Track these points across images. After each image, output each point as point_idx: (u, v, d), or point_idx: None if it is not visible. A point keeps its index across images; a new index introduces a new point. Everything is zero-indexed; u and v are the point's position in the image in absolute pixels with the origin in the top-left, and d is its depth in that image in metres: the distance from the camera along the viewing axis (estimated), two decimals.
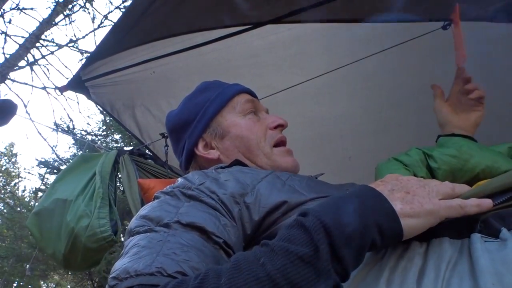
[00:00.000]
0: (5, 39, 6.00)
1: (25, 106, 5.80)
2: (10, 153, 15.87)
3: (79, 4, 6.28)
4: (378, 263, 0.57)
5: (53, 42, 6.49)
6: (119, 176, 2.06)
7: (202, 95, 1.06)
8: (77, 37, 9.18)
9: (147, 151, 2.28)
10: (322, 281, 0.48)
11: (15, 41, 5.74)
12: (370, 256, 0.59)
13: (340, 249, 0.50)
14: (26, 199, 13.40)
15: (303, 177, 0.85)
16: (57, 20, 5.92)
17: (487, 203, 0.57)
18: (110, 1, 10.84)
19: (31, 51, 5.74)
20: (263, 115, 1.07)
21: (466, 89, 1.14)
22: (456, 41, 1.22)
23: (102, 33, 7.15)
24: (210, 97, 1.04)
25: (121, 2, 6.50)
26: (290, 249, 0.49)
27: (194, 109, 1.05)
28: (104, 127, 9.00)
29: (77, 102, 11.80)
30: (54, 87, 6.18)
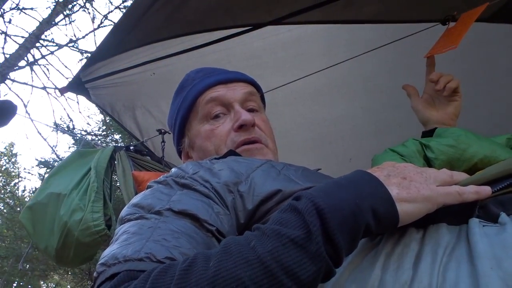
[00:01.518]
0: (5, 39, 6.00)
1: (25, 106, 5.82)
2: (10, 153, 15.88)
3: (79, 4, 6.29)
4: (374, 248, 0.56)
5: (53, 42, 6.51)
6: (116, 173, 2.05)
7: (177, 98, 1.03)
8: (77, 37, 9.20)
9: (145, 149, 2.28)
10: (314, 264, 0.47)
11: (15, 41, 5.76)
12: (366, 242, 0.58)
13: (333, 232, 0.48)
14: (26, 199, 13.40)
15: (299, 167, 0.83)
16: (57, 20, 5.92)
17: (486, 190, 0.56)
18: (110, 1, 10.83)
19: (31, 51, 5.75)
20: (233, 110, 0.96)
21: (437, 89, 1.11)
22: (449, 32, 1.21)
23: (102, 33, 7.19)
24: (179, 102, 1.01)
25: (121, 2, 6.50)
26: (282, 232, 0.48)
27: (171, 117, 1.03)
28: (104, 127, 9.01)
29: (77, 102, 11.81)
30: (54, 87, 6.19)
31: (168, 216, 0.63)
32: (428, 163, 1.03)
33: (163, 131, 1.96)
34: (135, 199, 0.71)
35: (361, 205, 0.52)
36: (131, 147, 2.11)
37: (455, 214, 0.56)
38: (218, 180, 0.72)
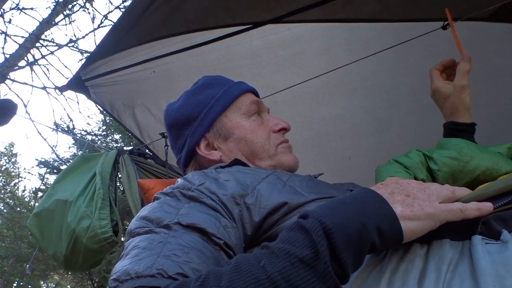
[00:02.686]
0: (5, 39, 6.00)
1: (25, 106, 5.82)
2: (10, 153, 15.89)
3: (79, 4, 6.30)
4: (379, 264, 0.57)
5: (53, 42, 6.51)
6: (119, 176, 2.05)
7: (206, 91, 1.04)
8: (77, 37, 9.21)
9: (147, 150, 2.28)
10: (322, 283, 0.48)
11: (15, 41, 5.75)
12: (371, 257, 0.59)
13: (340, 251, 0.50)
14: (26, 199, 13.42)
15: (304, 178, 0.84)
16: (57, 20, 5.93)
17: (487, 206, 0.57)
18: (110, 1, 10.85)
19: (31, 51, 5.75)
20: (266, 116, 1.06)
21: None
22: (456, 42, 1.22)
23: (102, 33, 7.17)
24: (214, 95, 1.02)
25: (121, 2, 6.51)
26: (291, 251, 0.50)
27: (197, 106, 1.02)
28: (104, 127, 9.02)
29: (77, 102, 11.84)
30: (54, 87, 6.17)
31: (177, 230, 0.64)
32: (431, 174, 1.04)
33: (166, 134, 1.96)
34: (143, 211, 0.72)
35: (366, 223, 0.53)
36: (135, 150, 2.11)
37: (458, 230, 0.57)
38: (225, 192, 0.73)
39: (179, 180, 0.80)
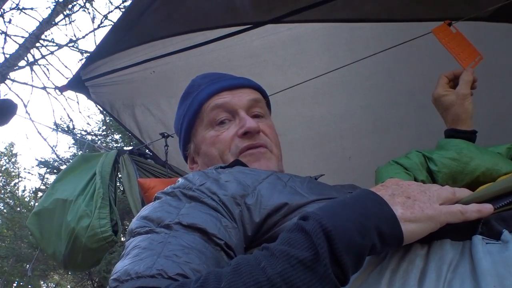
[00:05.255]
0: (5, 39, 6.00)
1: (25, 106, 5.82)
2: (10, 153, 15.89)
3: (79, 4, 6.30)
4: (379, 265, 0.57)
5: (53, 42, 6.51)
6: (119, 176, 2.05)
7: (183, 103, 1.04)
8: (77, 37, 9.19)
9: (147, 150, 2.28)
10: (322, 286, 0.48)
11: (15, 41, 5.76)
12: (371, 258, 0.59)
13: (340, 254, 0.50)
14: (26, 199, 13.42)
15: (304, 179, 0.84)
16: (57, 20, 5.92)
17: (488, 208, 0.57)
18: (110, 1, 10.85)
19: (31, 51, 5.74)
20: (241, 116, 0.96)
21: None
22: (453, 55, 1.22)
23: (102, 33, 7.17)
24: (185, 108, 1.02)
25: (121, 2, 6.51)
26: (291, 253, 0.49)
27: (177, 121, 1.05)
28: (104, 127, 9.02)
29: (77, 102, 11.79)
30: (54, 87, 6.17)
31: (177, 230, 0.64)
32: (431, 175, 1.04)
33: (166, 134, 1.96)
34: (144, 211, 0.72)
35: (366, 226, 0.53)
36: (135, 151, 2.11)
37: (458, 230, 0.57)
38: (225, 192, 0.73)
39: (180, 180, 0.80)
